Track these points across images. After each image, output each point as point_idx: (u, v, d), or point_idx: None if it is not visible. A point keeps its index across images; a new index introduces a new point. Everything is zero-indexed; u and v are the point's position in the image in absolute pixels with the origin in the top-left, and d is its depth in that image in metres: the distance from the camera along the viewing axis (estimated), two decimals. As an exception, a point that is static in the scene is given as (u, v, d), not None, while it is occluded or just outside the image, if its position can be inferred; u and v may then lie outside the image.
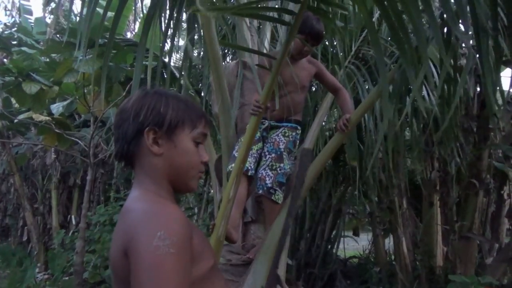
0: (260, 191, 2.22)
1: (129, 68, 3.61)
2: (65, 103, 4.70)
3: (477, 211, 3.80)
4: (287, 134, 2.31)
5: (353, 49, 3.00)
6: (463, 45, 2.49)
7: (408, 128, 3.82)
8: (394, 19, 1.56)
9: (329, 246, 5.14)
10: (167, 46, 2.68)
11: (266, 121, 2.32)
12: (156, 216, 0.81)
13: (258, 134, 2.27)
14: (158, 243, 0.75)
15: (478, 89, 3.63)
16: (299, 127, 2.39)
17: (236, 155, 2.15)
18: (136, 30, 5.83)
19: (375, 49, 1.86)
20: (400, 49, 1.70)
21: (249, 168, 2.21)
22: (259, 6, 1.68)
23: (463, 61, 2.75)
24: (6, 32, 5.86)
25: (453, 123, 2.72)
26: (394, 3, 1.53)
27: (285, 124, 2.32)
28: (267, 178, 2.22)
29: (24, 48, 4.55)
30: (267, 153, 2.27)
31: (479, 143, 3.88)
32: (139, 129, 0.91)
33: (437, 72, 2.61)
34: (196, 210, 5.87)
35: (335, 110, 3.42)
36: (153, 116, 0.91)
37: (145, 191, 0.91)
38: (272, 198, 2.21)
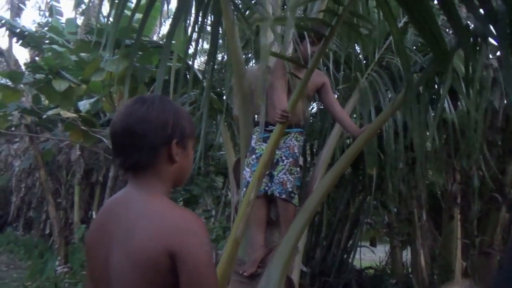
0: (284, 196, 2.26)
1: (154, 69, 3.69)
2: (91, 100, 4.83)
3: (498, 226, 3.70)
4: (298, 139, 2.37)
5: (376, 57, 2.99)
6: (490, 56, 2.45)
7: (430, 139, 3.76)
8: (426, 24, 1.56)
9: (345, 256, 5.08)
10: (192, 49, 2.74)
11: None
12: (198, 223, 0.94)
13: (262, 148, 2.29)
14: (207, 248, 0.92)
15: (505, 101, 3.54)
16: (304, 131, 2.47)
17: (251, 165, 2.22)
18: (162, 33, 5.95)
19: (400, 57, 1.86)
20: (433, 53, 1.69)
21: (266, 188, 2.29)
22: (305, 18, 1.72)
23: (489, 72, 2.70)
24: (39, 32, 6.08)
25: (477, 136, 2.67)
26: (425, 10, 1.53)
27: (295, 129, 2.36)
28: (288, 183, 2.27)
29: (54, 46, 4.71)
30: (284, 158, 2.30)
31: (503, 157, 3.79)
32: (167, 140, 0.98)
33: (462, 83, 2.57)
34: (213, 212, 5.92)
35: (354, 116, 3.40)
36: (179, 129, 1.00)
37: (160, 195, 0.98)
38: (293, 201, 2.26)
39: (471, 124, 2.20)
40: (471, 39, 2.01)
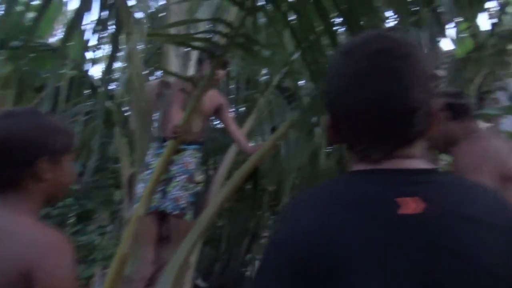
0: (176, 212, 2.25)
1: (48, 75, 3.43)
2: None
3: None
4: (195, 156, 2.41)
5: (276, 79, 3.17)
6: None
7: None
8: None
9: (244, 269, 5.19)
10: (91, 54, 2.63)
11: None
12: (60, 243, 0.90)
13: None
14: (67, 269, 0.89)
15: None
16: (201, 149, 2.51)
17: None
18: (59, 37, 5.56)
19: (293, 83, 2.02)
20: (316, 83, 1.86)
21: (158, 204, 2.27)
22: (193, 36, 1.76)
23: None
24: None
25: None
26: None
27: (192, 146, 2.40)
28: (181, 199, 2.27)
29: None
30: (179, 175, 2.31)
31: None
32: (34, 158, 0.93)
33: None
34: (109, 228, 5.59)
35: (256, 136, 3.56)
36: (47, 145, 0.95)
37: (25, 214, 0.93)
38: (185, 218, 2.27)
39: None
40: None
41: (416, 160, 0.64)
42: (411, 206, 0.57)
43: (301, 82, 3.11)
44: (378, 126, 0.62)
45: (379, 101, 0.61)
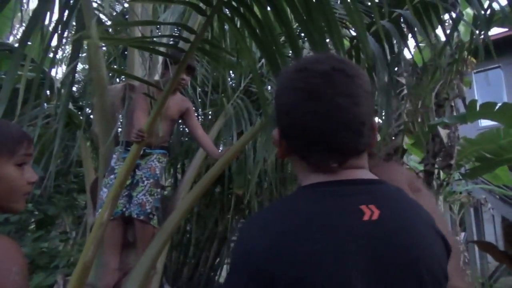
0: (142, 217, 2.21)
1: (3, 76, 3.30)
2: None
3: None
4: (160, 160, 2.38)
5: (242, 84, 3.20)
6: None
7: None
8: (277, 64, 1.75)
9: (212, 273, 5.16)
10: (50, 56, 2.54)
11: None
12: (7, 249, 0.86)
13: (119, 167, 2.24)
14: (15, 277, 0.84)
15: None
16: (167, 153, 2.49)
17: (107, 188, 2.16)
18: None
19: (257, 87, 2.04)
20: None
21: (124, 209, 2.24)
22: (152, 40, 1.74)
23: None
24: None
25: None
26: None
27: (157, 151, 2.38)
28: (147, 204, 2.24)
29: None
30: (144, 179, 2.28)
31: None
32: None
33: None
34: (73, 234, 5.42)
35: (223, 139, 3.56)
36: None
37: None
38: (151, 223, 2.23)
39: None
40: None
41: (364, 170, 0.72)
42: (371, 213, 0.65)
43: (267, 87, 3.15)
44: (333, 137, 0.67)
45: (334, 114, 0.66)
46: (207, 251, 5.12)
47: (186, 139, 4.17)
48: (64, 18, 2.25)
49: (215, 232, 5.13)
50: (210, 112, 3.45)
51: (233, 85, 3.32)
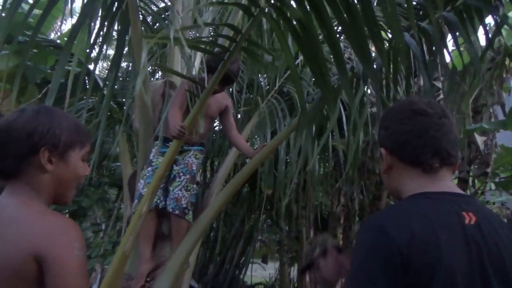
0: (177, 211, 2.26)
1: (49, 71, 3.44)
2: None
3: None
4: (197, 157, 2.42)
5: (277, 84, 3.21)
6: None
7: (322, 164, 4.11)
8: (318, 65, 1.76)
9: (237, 272, 5.20)
10: (94, 54, 2.64)
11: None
12: (70, 228, 0.93)
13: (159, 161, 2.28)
14: (78, 253, 0.91)
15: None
16: (204, 150, 2.53)
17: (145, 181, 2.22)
18: (62, 32, 5.55)
19: (295, 87, 2.05)
20: (321, 90, 1.90)
21: (159, 201, 2.29)
22: (201, 40, 1.78)
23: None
24: None
25: (355, 163, 2.99)
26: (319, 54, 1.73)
27: (195, 147, 2.42)
28: (183, 199, 2.28)
29: None
30: (181, 174, 2.33)
31: (380, 184, 4.29)
32: (34, 148, 0.96)
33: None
34: (103, 226, 5.58)
35: (256, 139, 3.58)
36: (49, 137, 0.98)
37: (32, 201, 0.96)
38: (186, 218, 2.28)
39: (350, 152, 2.47)
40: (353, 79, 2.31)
41: (454, 184, 1.03)
42: (469, 218, 0.90)
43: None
44: (443, 153, 0.99)
45: (442, 136, 0.99)
46: (233, 249, 5.16)
47: (217, 136, 4.22)
48: (109, 17, 2.33)
49: (241, 231, 5.17)
50: (242, 111, 3.48)
51: (268, 85, 3.34)
